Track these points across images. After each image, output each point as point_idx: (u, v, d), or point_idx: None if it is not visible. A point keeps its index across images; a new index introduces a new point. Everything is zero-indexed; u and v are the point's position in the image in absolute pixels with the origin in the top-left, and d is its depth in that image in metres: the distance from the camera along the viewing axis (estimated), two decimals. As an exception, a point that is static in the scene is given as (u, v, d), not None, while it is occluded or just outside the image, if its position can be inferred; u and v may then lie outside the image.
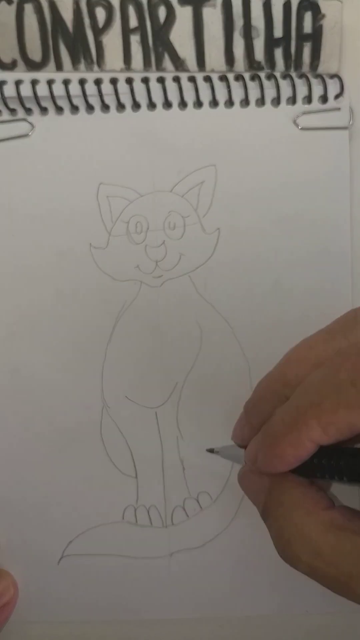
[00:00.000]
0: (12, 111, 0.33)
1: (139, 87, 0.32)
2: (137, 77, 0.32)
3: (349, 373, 0.20)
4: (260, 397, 0.25)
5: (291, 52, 0.33)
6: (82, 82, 0.32)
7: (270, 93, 0.33)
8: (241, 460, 0.27)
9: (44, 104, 0.32)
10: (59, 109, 0.33)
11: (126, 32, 0.32)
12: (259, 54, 0.33)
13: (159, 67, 0.33)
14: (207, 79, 0.32)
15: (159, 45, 0.32)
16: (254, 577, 0.33)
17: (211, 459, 0.33)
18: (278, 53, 0.33)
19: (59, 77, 0.32)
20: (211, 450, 0.32)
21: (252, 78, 0.32)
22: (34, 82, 0.32)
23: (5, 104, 0.32)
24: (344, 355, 0.20)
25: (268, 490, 0.23)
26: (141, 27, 0.32)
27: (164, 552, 0.33)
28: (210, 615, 0.34)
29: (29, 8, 0.32)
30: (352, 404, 0.19)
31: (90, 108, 0.33)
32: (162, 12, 0.32)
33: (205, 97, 0.33)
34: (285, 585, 0.33)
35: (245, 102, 0.33)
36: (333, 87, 0.33)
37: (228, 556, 0.33)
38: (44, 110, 0.33)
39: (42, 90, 0.32)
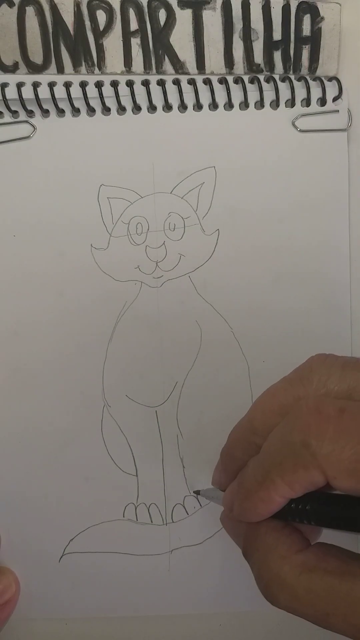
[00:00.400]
0: (14, 113, 0.33)
1: (139, 89, 0.33)
2: (137, 80, 0.33)
3: (300, 435, 0.20)
4: (233, 446, 0.26)
5: (290, 54, 0.33)
6: (83, 84, 0.32)
7: (269, 95, 0.33)
8: (221, 501, 0.28)
9: (45, 106, 0.33)
10: (61, 111, 0.33)
11: (127, 35, 0.32)
12: (258, 56, 0.33)
13: (159, 69, 0.33)
14: (207, 82, 0.33)
15: (159, 48, 0.33)
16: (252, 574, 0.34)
17: (211, 458, 0.33)
18: (277, 56, 0.33)
19: (60, 79, 0.33)
20: (197, 492, 0.33)
21: (252, 80, 0.33)
22: (35, 85, 0.32)
23: (7, 106, 0.33)
24: (297, 414, 0.21)
25: (245, 535, 0.24)
26: (141, 30, 0.32)
27: (164, 549, 0.34)
28: (210, 612, 0.34)
29: (30, 11, 0.32)
30: (307, 465, 0.20)
31: (91, 110, 0.33)
32: (162, 15, 0.32)
33: (205, 99, 0.33)
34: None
35: (245, 104, 0.33)
36: (332, 90, 0.33)
37: (228, 553, 0.33)
38: (45, 112, 0.33)
39: (44, 92, 0.32)
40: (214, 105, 0.33)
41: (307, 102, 0.33)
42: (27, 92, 0.32)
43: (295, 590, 0.21)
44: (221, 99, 0.33)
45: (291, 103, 0.33)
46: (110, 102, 0.33)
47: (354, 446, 0.19)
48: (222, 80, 0.33)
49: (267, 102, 0.33)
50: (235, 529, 0.25)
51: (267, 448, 0.22)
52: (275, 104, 0.33)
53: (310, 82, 0.33)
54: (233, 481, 0.25)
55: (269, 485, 0.21)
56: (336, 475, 0.20)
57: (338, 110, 0.33)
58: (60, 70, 0.33)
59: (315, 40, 0.33)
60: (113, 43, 0.33)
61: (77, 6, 0.32)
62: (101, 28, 0.32)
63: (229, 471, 0.26)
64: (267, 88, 0.33)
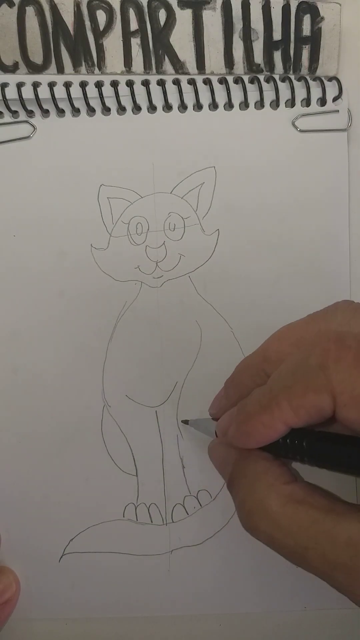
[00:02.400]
0: (14, 113, 0.33)
1: (139, 89, 0.33)
2: (137, 80, 0.33)
3: (318, 358, 0.20)
4: (240, 372, 0.26)
5: (290, 54, 0.33)
6: (83, 84, 0.32)
7: (269, 95, 0.33)
8: (213, 433, 0.28)
9: (45, 106, 0.33)
10: (60, 111, 0.33)
11: (127, 35, 0.33)
12: (258, 56, 0.33)
13: (159, 69, 0.33)
14: (207, 82, 0.33)
15: (159, 48, 0.33)
16: (253, 575, 0.34)
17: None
18: (277, 56, 0.33)
19: (60, 79, 0.33)
20: (185, 422, 0.32)
21: (252, 80, 0.33)
22: (35, 85, 0.32)
23: (7, 106, 0.33)
24: (317, 340, 0.21)
25: (234, 463, 0.24)
26: (141, 30, 0.32)
27: (164, 550, 0.34)
28: (210, 612, 0.34)
29: (30, 11, 0.32)
30: (319, 389, 0.20)
31: (91, 110, 0.33)
32: (162, 15, 0.32)
33: (205, 99, 0.33)
34: (283, 582, 0.34)
35: (245, 104, 0.33)
36: (332, 90, 0.33)
37: (227, 553, 0.33)
38: (45, 112, 0.33)
39: (44, 92, 0.32)
40: (214, 105, 0.33)
41: (307, 102, 0.33)
42: (27, 92, 0.32)
43: (278, 519, 0.21)
44: (221, 99, 0.33)
45: (291, 103, 0.33)
46: (110, 102, 0.33)
47: None
48: (222, 80, 0.33)
49: (267, 102, 0.33)
50: (224, 457, 0.25)
51: (278, 372, 0.22)
52: (275, 104, 0.33)
53: (310, 82, 0.33)
54: (232, 408, 0.25)
55: (273, 408, 0.21)
56: (347, 402, 0.19)
57: (338, 110, 0.33)
58: (60, 70, 0.33)
59: (315, 40, 0.33)
60: (113, 43, 0.33)
61: (77, 6, 0.32)
62: (101, 28, 0.32)
63: (231, 398, 0.26)
64: (267, 88, 0.33)
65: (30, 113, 0.33)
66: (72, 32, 0.32)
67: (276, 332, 0.25)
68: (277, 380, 0.22)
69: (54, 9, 0.32)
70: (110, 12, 0.32)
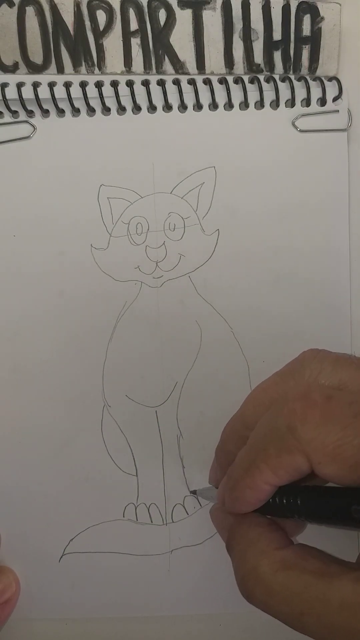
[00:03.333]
0: (14, 113, 0.33)
1: (139, 89, 0.33)
2: (137, 80, 0.33)
3: (286, 419, 0.20)
4: (226, 440, 0.26)
5: (290, 54, 0.33)
6: (83, 84, 0.32)
7: (269, 95, 0.33)
8: (215, 499, 0.28)
9: (45, 106, 0.33)
10: (61, 111, 0.33)
11: (127, 35, 0.33)
12: (258, 56, 0.33)
13: (159, 69, 0.33)
14: (207, 82, 0.33)
15: (159, 48, 0.33)
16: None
17: (211, 458, 0.33)
18: (277, 56, 0.33)
19: (60, 79, 0.33)
20: (194, 492, 0.33)
21: (252, 80, 0.33)
22: (35, 85, 0.32)
23: (7, 106, 0.33)
24: (284, 401, 0.21)
25: (230, 528, 0.24)
26: (141, 30, 0.32)
27: (164, 550, 0.34)
28: (210, 612, 0.34)
29: (30, 11, 0.32)
30: (291, 450, 0.20)
31: (91, 110, 0.33)
32: (162, 15, 0.32)
33: (205, 99, 0.33)
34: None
35: (245, 104, 0.33)
36: (332, 90, 0.33)
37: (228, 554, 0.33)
38: (45, 112, 0.33)
39: (44, 92, 0.32)
40: (214, 105, 0.33)
41: (307, 102, 0.33)
42: (27, 92, 0.32)
43: (271, 586, 0.21)
44: (221, 99, 0.33)
45: (291, 103, 0.33)
46: (110, 102, 0.33)
47: (338, 432, 0.19)
48: (222, 80, 0.33)
49: (267, 102, 0.33)
50: (223, 523, 0.25)
51: (253, 436, 0.22)
52: (275, 104, 0.33)
53: (310, 82, 0.33)
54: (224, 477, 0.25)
55: (254, 471, 0.21)
56: (320, 460, 0.20)
57: (338, 110, 0.33)
58: (60, 70, 0.33)
59: (315, 40, 0.33)
60: (113, 43, 0.33)
61: (77, 6, 0.32)
62: (101, 28, 0.32)
63: (223, 466, 0.26)
64: (267, 88, 0.33)
65: (30, 113, 0.33)
66: (72, 32, 0.32)
67: (249, 395, 0.25)
68: (253, 443, 0.22)
69: (54, 9, 0.32)
70: (110, 12, 0.32)
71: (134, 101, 0.33)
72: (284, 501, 0.22)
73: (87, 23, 0.32)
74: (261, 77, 0.33)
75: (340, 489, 0.21)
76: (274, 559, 0.21)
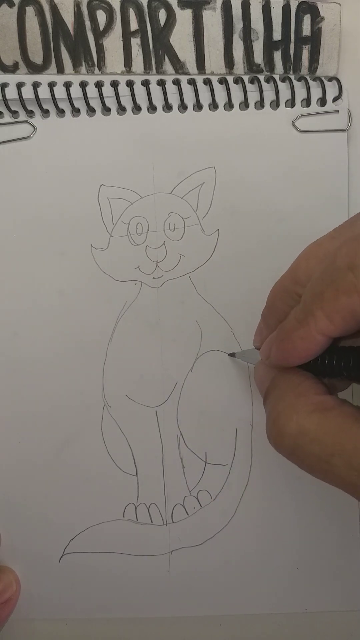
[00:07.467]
0: (14, 113, 0.33)
1: (139, 89, 0.33)
2: (137, 80, 0.33)
3: (345, 258, 0.20)
4: (274, 298, 0.25)
5: (290, 54, 0.33)
6: (83, 84, 0.32)
7: (269, 95, 0.33)
8: (256, 361, 0.28)
9: (45, 106, 0.33)
10: (61, 111, 0.33)
11: (127, 35, 0.33)
12: (258, 56, 0.33)
13: (159, 69, 0.33)
14: (207, 82, 0.33)
15: (159, 48, 0.33)
16: (253, 576, 0.34)
17: (211, 457, 0.33)
18: (277, 56, 0.33)
19: (60, 79, 0.33)
20: (233, 355, 0.32)
21: (252, 81, 0.33)
22: (35, 85, 0.32)
23: (7, 106, 0.33)
24: (342, 243, 0.20)
25: (272, 379, 0.23)
26: (142, 30, 0.32)
27: (164, 550, 0.34)
28: (210, 613, 0.34)
29: (30, 11, 0.32)
30: (350, 290, 0.19)
31: (91, 110, 0.33)
32: (162, 15, 0.32)
33: (205, 99, 0.33)
34: (284, 583, 0.33)
35: (245, 104, 0.33)
36: (331, 90, 0.33)
37: (227, 554, 0.33)
38: (45, 112, 0.33)
39: (44, 92, 0.32)
40: (214, 106, 0.33)
41: (307, 102, 0.33)
42: (27, 92, 0.32)
43: (304, 424, 0.20)
44: (221, 99, 0.33)
45: (291, 103, 0.33)
46: (110, 102, 0.33)
47: None
48: (222, 81, 0.33)
49: (267, 102, 0.33)
50: (264, 376, 0.25)
51: (309, 285, 0.22)
52: (275, 104, 0.33)
53: (310, 82, 0.33)
54: (272, 333, 0.24)
55: (309, 320, 0.21)
56: None
57: (338, 111, 0.33)
58: (60, 70, 0.33)
59: (315, 40, 0.33)
60: (113, 43, 0.33)
61: (77, 6, 0.32)
62: (101, 28, 0.32)
63: (270, 325, 0.25)
64: (267, 88, 0.33)
65: (30, 113, 0.33)
66: (72, 32, 0.32)
67: (303, 251, 0.24)
68: (309, 291, 0.21)
69: (54, 9, 0.32)
70: (110, 12, 0.32)
71: (134, 101, 0.33)
72: (334, 361, 0.22)
73: (87, 23, 0.32)
74: (261, 77, 0.33)
75: None
76: (312, 401, 0.21)
